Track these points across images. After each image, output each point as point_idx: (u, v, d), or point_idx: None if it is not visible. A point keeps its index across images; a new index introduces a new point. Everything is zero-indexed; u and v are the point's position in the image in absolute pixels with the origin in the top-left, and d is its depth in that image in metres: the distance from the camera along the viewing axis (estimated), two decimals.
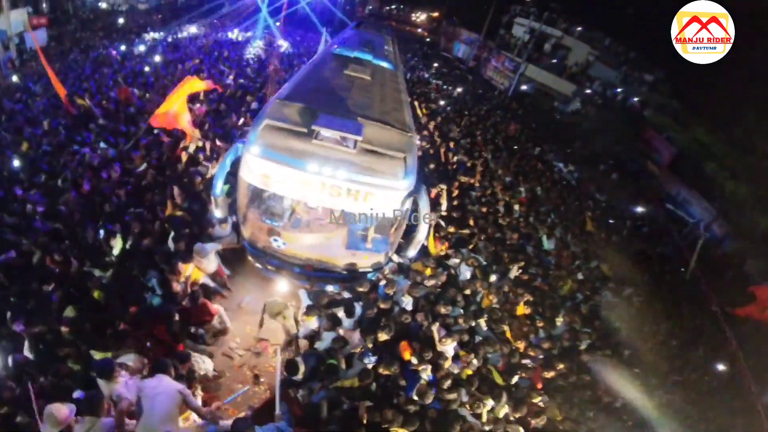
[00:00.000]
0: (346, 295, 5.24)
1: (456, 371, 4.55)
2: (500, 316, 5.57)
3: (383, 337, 4.57)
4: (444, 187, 7.85)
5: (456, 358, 4.70)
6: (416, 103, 14.79)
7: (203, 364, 4.68)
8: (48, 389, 3.59)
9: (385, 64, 8.61)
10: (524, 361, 5.18)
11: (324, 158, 4.88)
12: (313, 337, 4.69)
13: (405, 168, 5.12)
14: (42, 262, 4.98)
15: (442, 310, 5.11)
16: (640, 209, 13.73)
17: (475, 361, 4.77)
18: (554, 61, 24.19)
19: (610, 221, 12.55)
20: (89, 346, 4.11)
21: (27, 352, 4.04)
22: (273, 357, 5.42)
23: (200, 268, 5.46)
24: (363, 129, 5.11)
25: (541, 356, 5.54)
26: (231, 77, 12.86)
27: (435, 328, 4.82)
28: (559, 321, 6.56)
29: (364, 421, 3.69)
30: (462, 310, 5.35)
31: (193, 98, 8.59)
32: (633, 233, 12.45)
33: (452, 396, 4.19)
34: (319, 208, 5.88)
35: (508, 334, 5.58)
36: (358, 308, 4.89)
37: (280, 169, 4.98)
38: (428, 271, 5.83)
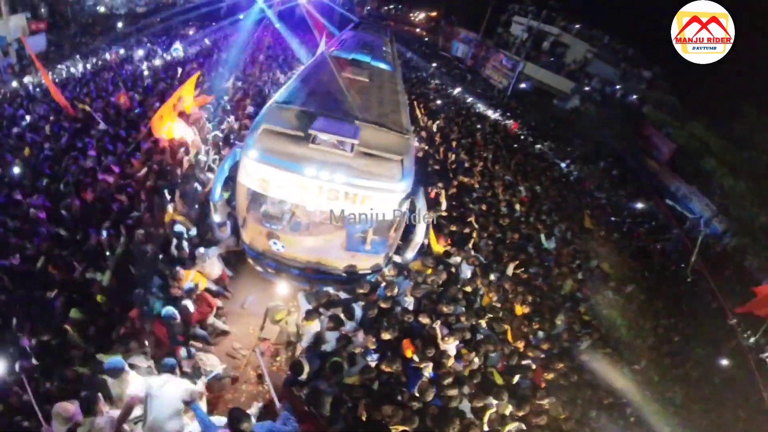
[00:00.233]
0: (343, 295, 5.26)
1: (458, 369, 4.58)
2: (501, 316, 5.61)
3: (386, 336, 4.61)
4: (442, 185, 7.88)
5: (458, 357, 4.74)
6: (415, 104, 14.81)
7: (209, 361, 4.72)
8: (54, 395, 3.63)
9: (383, 66, 8.63)
10: (524, 362, 5.20)
11: (321, 162, 4.90)
12: (318, 340, 4.70)
13: (402, 170, 5.14)
14: (45, 268, 5.03)
15: (444, 309, 5.14)
16: (640, 206, 13.76)
17: (476, 360, 4.81)
18: (552, 58, 24.20)
19: (612, 219, 12.59)
20: (96, 349, 4.17)
21: (34, 360, 4.09)
22: (277, 357, 5.48)
23: (203, 274, 5.51)
24: (360, 132, 5.13)
25: (542, 356, 5.57)
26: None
27: (437, 326, 4.85)
28: (559, 321, 6.59)
29: (364, 419, 3.73)
30: (464, 308, 5.39)
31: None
32: (633, 230, 12.49)
33: (453, 392, 4.22)
34: (317, 211, 5.91)
35: (509, 335, 5.61)
36: (357, 310, 4.90)
37: (278, 173, 5.00)
38: (429, 271, 5.86)
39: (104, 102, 9.93)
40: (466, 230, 7.22)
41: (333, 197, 5.06)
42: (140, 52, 15.92)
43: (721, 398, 7.19)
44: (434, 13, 41.90)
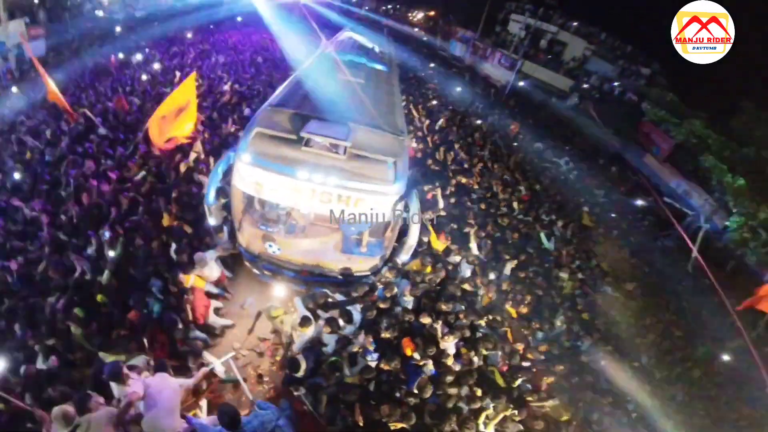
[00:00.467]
0: (339, 297, 5.26)
1: (458, 368, 4.59)
2: (500, 316, 5.61)
3: (386, 335, 4.63)
4: (438, 184, 7.88)
5: (458, 356, 4.76)
6: (413, 104, 14.81)
7: (211, 360, 4.75)
8: (57, 399, 3.66)
9: (379, 67, 8.65)
10: (524, 363, 5.22)
11: (314, 165, 4.92)
12: (316, 344, 4.70)
13: (395, 172, 5.13)
14: (46, 272, 5.05)
15: (443, 307, 5.15)
16: (639, 202, 13.73)
17: (476, 359, 4.82)
18: (550, 56, 24.17)
19: (612, 215, 12.57)
20: (99, 348, 4.22)
21: (40, 364, 4.13)
22: (277, 357, 5.50)
23: (202, 277, 5.52)
24: (352, 134, 5.14)
25: (542, 357, 5.57)
26: None
27: (438, 325, 4.87)
28: (559, 321, 6.59)
29: (361, 423, 3.75)
30: (463, 307, 5.40)
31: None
32: (633, 226, 12.46)
33: (453, 390, 4.25)
34: (311, 213, 5.91)
35: (509, 335, 5.62)
36: (356, 314, 4.90)
37: (271, 176, 5.02)
38: (428, 269, 5.88)
39: (104, 106, 9.97)
40: (466, 230, 7.25)
41: (326, 200, 5.07)
42: (138, 56, 15.95)
43: (724, 395, 7.18)
44: (432, 13, 41.86)
